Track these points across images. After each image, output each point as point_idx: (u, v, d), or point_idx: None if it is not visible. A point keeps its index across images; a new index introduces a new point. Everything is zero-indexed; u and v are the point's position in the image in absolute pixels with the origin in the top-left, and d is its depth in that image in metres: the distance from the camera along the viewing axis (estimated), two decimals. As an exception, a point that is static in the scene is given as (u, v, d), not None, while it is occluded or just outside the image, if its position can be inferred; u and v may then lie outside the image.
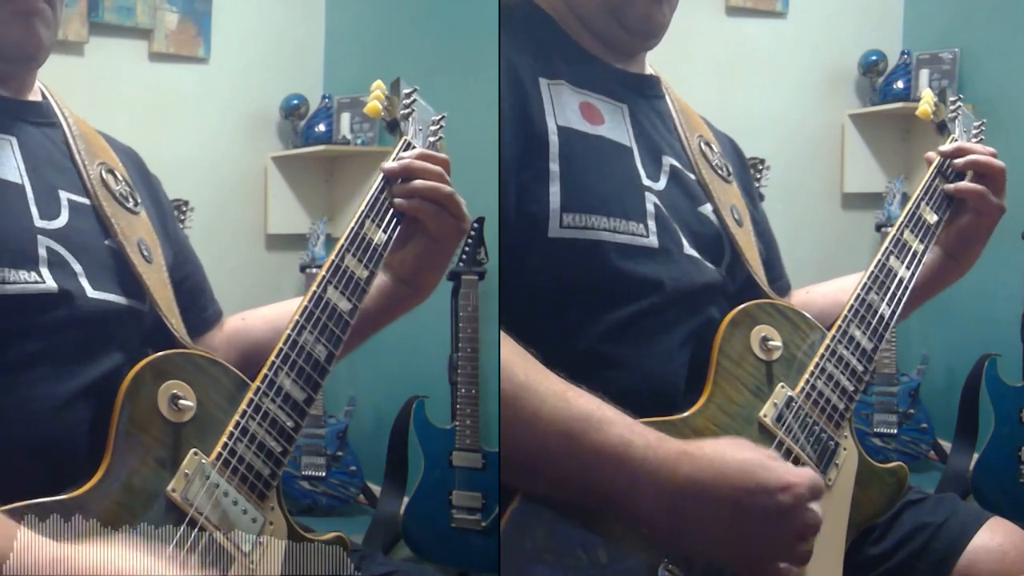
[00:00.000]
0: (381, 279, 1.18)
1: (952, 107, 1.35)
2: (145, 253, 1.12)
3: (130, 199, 1.16)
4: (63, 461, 0.98)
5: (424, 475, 2.74)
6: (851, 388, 1.14)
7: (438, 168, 1.14)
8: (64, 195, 1.09)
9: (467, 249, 2.76)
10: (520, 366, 0.97)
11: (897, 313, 1.19)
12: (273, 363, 1.02)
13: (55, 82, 1.20)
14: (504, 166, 1.08)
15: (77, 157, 1.13)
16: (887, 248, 1.21)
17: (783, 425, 1.09)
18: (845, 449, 1.13)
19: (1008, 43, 3.17)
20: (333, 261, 1.07)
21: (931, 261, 1.26)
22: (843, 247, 3.47)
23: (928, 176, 1.28)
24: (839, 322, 1.15)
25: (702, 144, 1.26)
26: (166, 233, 1.21)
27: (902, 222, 1.24)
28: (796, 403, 1.10)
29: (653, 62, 1.29)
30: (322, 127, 3.53)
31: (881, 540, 1.22)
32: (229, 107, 3.53)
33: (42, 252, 1.03)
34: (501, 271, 1.10)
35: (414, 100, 1.20)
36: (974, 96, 3.09)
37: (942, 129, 1.35)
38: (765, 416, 1.08)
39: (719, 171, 1.26)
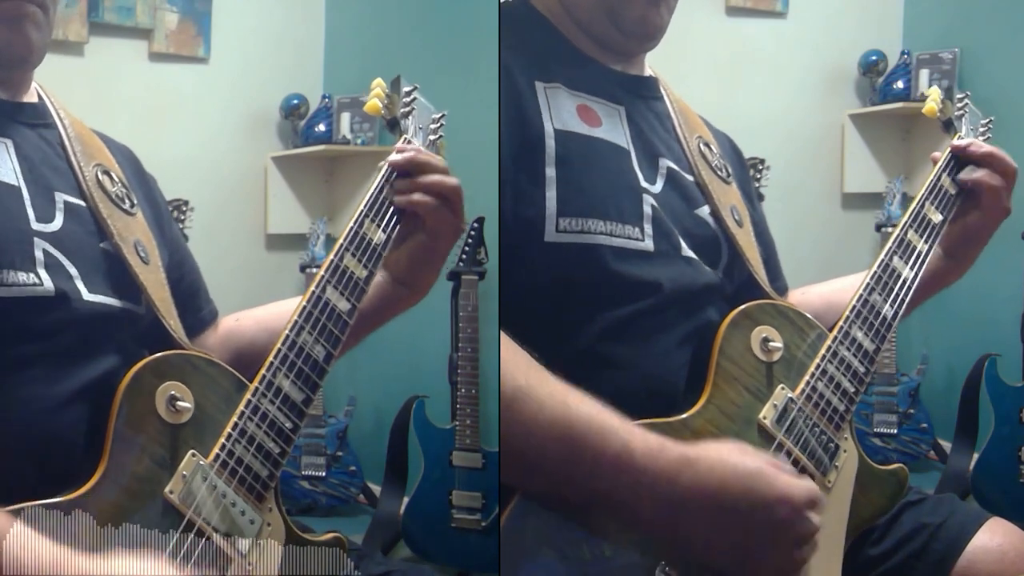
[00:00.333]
0: (377, 279, 1.17)
1: (959, 104, 1.34)
2: (142, 254, 1.12)
3: (126, 200, 1.15)
4: (60, 462, 0.98)
5: (424, 475, 2.74)
6: (852, 390, 1.13)
7: (442, 162, 1.14)
8: (60, 197, 1.09)
9: (467, 249, 2.76)
10: (520, 369, 0.96)
11: (900, 314, 1.18)
12: (271, 364, 1.01)
13: (55, 82, 1.20)
14: (502, 167, 1.07)
15: (73, 159, 1.13)
16: (891, 248, 1.20)
17: (783, 427, 1.08)
18: (845, 451, 1.12)
19: (1008, 43, 3.17)
20: (332, 261, 1.06)
21: (930, 261, 1.25)
22: (843, 247, 3.47)
23: (933, 175, 1.26)
24: (841, 323, 1.15)
25: (701, 145, 1.26)
26: (162, 233, 1.21)
27: (906, 222, 1.22)
28: (796, 405, 1.10)
29: (652, 62, 1.28)
30: (322, 127, 3.53)
31: (881, 541, 1.22)
32: (229, 107, 3.53)
33: (38, 255, 1.03)
34: (501, 272, 1.09)
35: (414, 99, 1.19)
36: (974, 96, 3.08)
37: (948, 127, 1.33)
38: (765, 418, 1.08)
39: (718, 172, 1.25)
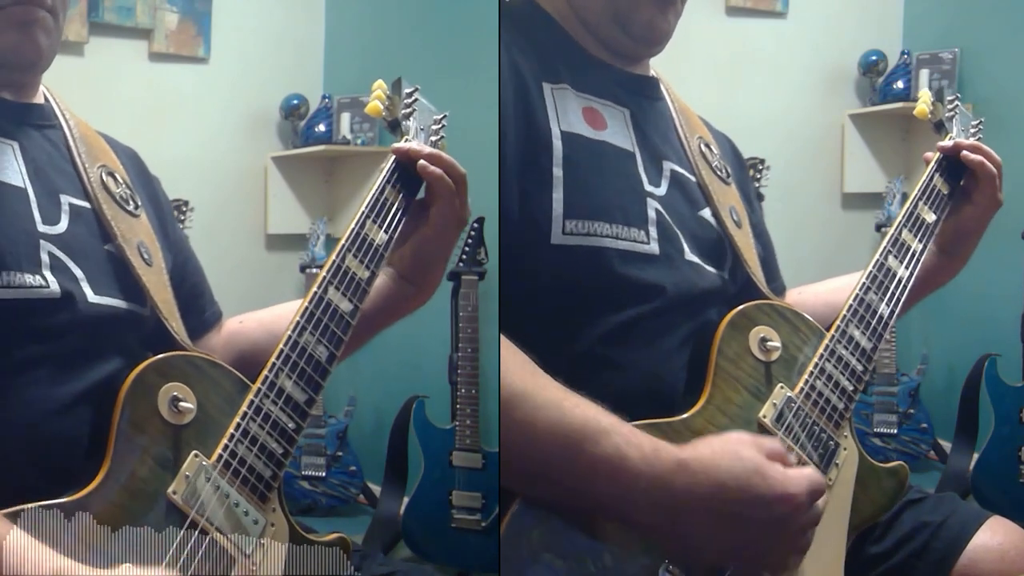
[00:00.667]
0: (383, 279, 1.18)
1: (950, 106, 1.35)
2: (145, 256, 1.12)
3: (130, 202, 1.16)
4: (63, 463, 0.98)
5: (424, 475, 2.74)
6: (851, 388, 1.14)
7: (449, 157, 1.15)
8: (65, 199, 1.09)
9: (467, 249, 2.76)
10: (518, 372, 0.96)
11: (896, 313, 1.19)
12: (274, 364, 1.02)
13: (55, 82, 1.20)
14: (506, 168, 1.08)
15: (78, 160, 1.13)
16: (885, 248, 1.21)
17: (782, 426, 1.09)
18: (845, 449, 1.13)
19: (1008, 43, 3.17)
20: (334, 261, 1.07)
21: (926, 259, 1.25)
22: (843, 247, 3.47)
23: (926, 175, 1.28)
24: (838, 322, 1.15)
25: (702, 146, 1.26)
26: (166, 235, 1.21)
27: (900, 222, 1.23)
28: (795, 403, 1.10)
29: (653, 62, 1.29)
30: (322, 127, 3.53)
31: (881, 539, 1.22)
32: (229, 107, 3.53)
33: (44, 257, 1.03)
34: (501, 273, 1.09)
35: (415, 100, 1.19)
36: (974, 96, 3.09)
37: (940, 128, 1.35)
38: (764, 417, 1.08)
39: (718, 172, 1.26)
